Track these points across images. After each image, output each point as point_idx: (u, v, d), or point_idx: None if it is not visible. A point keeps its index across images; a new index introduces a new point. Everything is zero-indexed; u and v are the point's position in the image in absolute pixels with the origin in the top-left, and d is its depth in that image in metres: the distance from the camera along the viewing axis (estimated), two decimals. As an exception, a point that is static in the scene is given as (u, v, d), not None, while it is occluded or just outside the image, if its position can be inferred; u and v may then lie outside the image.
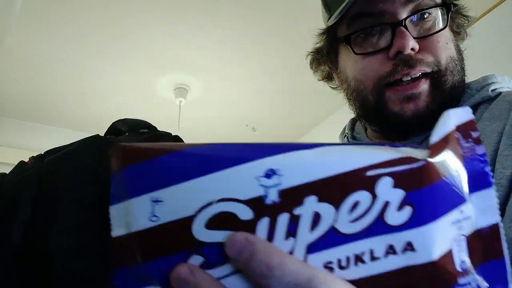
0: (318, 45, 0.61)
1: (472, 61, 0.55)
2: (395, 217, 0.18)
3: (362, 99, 0.52)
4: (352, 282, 0.18)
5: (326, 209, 0.18)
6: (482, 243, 0.19)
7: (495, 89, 0.49)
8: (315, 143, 0.19)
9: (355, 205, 0.18)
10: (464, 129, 0.20)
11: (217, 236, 0.19)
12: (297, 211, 0.18)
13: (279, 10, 2.14)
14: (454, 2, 0.53)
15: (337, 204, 0.18)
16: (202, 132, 3.34)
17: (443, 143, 0.19)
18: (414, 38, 0.47)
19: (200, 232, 0.19)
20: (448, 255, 0.19)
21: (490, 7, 1.84)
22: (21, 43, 2.27)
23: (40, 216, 0.36)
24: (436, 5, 0.48)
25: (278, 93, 2.82)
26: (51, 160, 0.41)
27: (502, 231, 0.19)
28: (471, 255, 0.19)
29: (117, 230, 0.21)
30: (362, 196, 0.18)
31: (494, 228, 0.19)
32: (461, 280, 0.19)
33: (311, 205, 0.18)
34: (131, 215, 0.20)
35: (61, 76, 2.60)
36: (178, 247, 0.19)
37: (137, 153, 0.20)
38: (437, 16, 0.49)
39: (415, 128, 0.49)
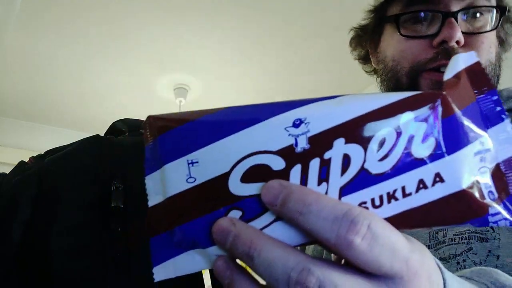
0: (364, 22, 0.60)
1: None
2: (420, 149, 0.19)
3: (396, 80, 0.52)
4: (386, 219, 0.18)
5: (355, 150, 0.19)
6: (506, 175, 0.20)
7: None
8: (336, 95, 0.20)
9: (382, 142, 0.19)
10: (472, 70, 0.21)
11: (253, 188, 0.19)
12: (327, 155, 0.19)
13: (279, 10, 2.14)
14: (509, 7, 0.52)
15: (364, 144, 0.19)
16: (202, 132, 3.35)
17: (456, 80, 0.21)
18: (463, 32, 0.47)
19: (236, 187, 0.19)
20: (476, 184, 0.19)
21: None
22: (21, 43, 2.28)
23: (40, 216, 0.36)
24: (491, 7, 0.48)
25: (278, 93, 2.83)
26: (51, 160, 0.41)
27: None
28: (496, 187, 0.20)
29: (154, 199, 0.21)
30: (387, 133, 0.19)
31: (510, 160, 0.20)
32: (492, 210, 0.19)
33: (339, 147, 0.19)
34: (168, 180, 0.20)
35: (61, 76, 2.60)
36: (216, 204, 0.20)
37: (168, 121, 0.21)
38: (488, 18, 0.49)
39: None
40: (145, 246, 0.34)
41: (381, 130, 0.19)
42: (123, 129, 0.51)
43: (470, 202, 0.19)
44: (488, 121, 0.20)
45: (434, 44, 0.48)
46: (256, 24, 2.22)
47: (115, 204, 0.37)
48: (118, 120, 0.54)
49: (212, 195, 0.20)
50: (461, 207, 0.19)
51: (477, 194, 0.19)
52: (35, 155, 0.44)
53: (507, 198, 0.20)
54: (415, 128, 0.19)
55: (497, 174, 0.20)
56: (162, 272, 0.21)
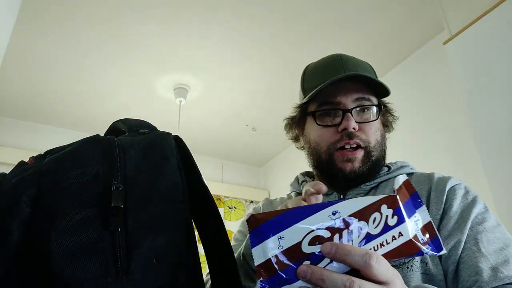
0: (292, 114, 0.87)
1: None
2: (391, 221, 0.39)
3: (318, 156, 0.77)
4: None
5: (363, 224, 0.38)
6: (427, 230, 0.41)
7: (412, 168, 0.79)
8: (349, 199, 0.40)
9: (374, 220, 0.38)
10: (406, 183, 0.44)
11: (315, 248, 0.37)
12: (350, 227, 0.38)
13: (279, 11, 2.14)
14: (386, 104, 0.82)
15: (367, 221, 0.38)
16: (202, 132, 3.35)
17: (399, 189, 0.43)
18: (356, 122, 0.73)
19: (306, 248, 0.37)
20: (416, 236, 0.40)
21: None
22: (21, 43, 2.28)
23: (40, 216, 0.36)
24: (373, 105, 0.76)
25: (278, 93, 2.83)
26: (51, 160, 0.41)
27: (433, 223, 0.42)
28: (424, 236, 0.40)
29: (259, 260, 0.37)
30: (376, 215, 0.39)
31: (429, 222, 0.42)
32: (424, 247, 0.39)
33: (355, 224, 0.38)
34: (267, 248, 0.37)
35: (61, 76, 2.60)
36: (296, 258, 0.36)
37: (262, 218, 0.38)
38: (373, 112, 0.76)
39: (351, 181, 0.74)
40: (145, 246, 0.34)
41: (373, 214, 0.39)
42: (123, 129, 0.51)
43: (415, 244, 0.39)
44: (415, 206, 0.42)
45: (339, 131, 0.73)
46: (256, 24, 2.22)
47: (115, 204, 0.37)
48: (118, 120, 0.54)
49: (293, 254, 0.36)
50: (411, 247, 0.39)
51: (417, 240, 0.39)
52: (35, 155, 0.44)
53: (429, 242, 0.40)
54: (387, 212, 0.39)
55: (423, 230, 0.41)
56: None
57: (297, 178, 0.89)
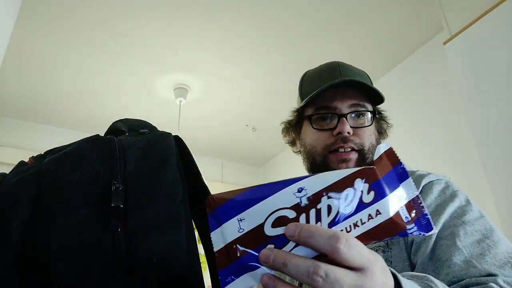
0: (290, 118, 0.88)
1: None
2: (367, 198, 0.34)
3: (313, 159, 0.79)
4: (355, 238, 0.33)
5: (333, 202, 0.33)
6: (413, 207, 0.35)
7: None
8: (318, 173, 0.35)
9: (347, 196, 0.34)
10: (388, 153, 0.37)
11: (279, 230, 0.33)
12: (318, 206, 0.33)
13: (279, 10, 2.14)
14: (381, 111, 0.84)
15: (337, 198, 0.33)
16: (202, 132, 3.35)
17: (379, 159, 0.37)
18: (351, 126, 0.75)
19: (269, 230, 0.33)
20: (398, 214, 0.35)
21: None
22: (21, 43, 2.28)
23: (40, 216, 0.36)
24: (368, 111, 0.78)
25: (278, 93, 2.83)
26: (51, 160, 0.41)
27: (421, 198, 0.36)
28: (410, 214, 0.35)
29: (218, 246, 0.33)
30: (349, 191, 0.34)
31: (416, 197, 0.36)
32: (408, 226, 0.34)
33: (324, 201, 0.33)
34: (226, 232, 0.33)
35: (61, 76, 2.60)
36: (258, 242, 0.33)
37: (222, 198, 0.34)
38: (367, 118, 0.78)
39: None
40: (145, 246, 0.34)
41: (346, 189, 0.34)
42: (123, 129, 0.51)
43: (396, 223, 0.34)
44: (400, 179, 0.36)
45: (334, 134, 0.75)
46: (256, 24, 2.22)
47: (115, 204, 0.37)
48: (118, 120, 0.54)
49: (255, 237, 0.33)
50: (392, 227, 0.34)
51: (399, 219, 0.34)
52: (35, 155, 0.44)
53: (415, 221, 0.35)
54: (363, 187, 0.34)
55: (408, 207, 0.35)
56: None
57: None
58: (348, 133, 0.74)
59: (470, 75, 1.68)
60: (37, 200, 0.37)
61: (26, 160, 0.43)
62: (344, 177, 0.34)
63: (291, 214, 0.33)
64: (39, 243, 0.35)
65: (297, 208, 0.33)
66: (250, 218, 0.33)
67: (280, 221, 0.33)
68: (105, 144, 0.43)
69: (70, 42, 2.30)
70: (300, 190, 0.33)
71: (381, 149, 0.38)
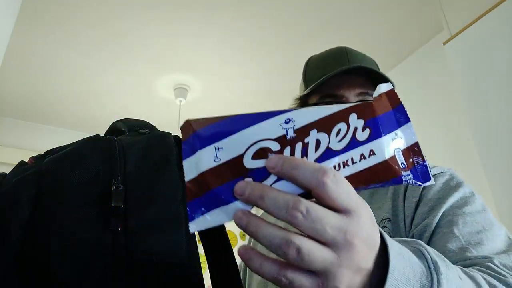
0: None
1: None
2: (361, 135, 0.31)
3: None
4: None
5: (322, 136, 0.30)
6: (411, 153, 0.32)
7: None
8: (298, 108, 0.31)
9: (339, 131, 0.30)
10: (390, 93, 0.33)
11: (260, 163, 0.29)
12: (306, 140, 0.30)
13: (279, 10, 2.14)
14: None
15: (328, 133, 0.30)
16: (202, 132, 3.35)
17: (379, 98, 0.33)
18: None
19: (249, 163, 0.29)
20: (393, 157, 0.31)
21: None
22: (21, 43, 2.28)
23: (40, 216, 0.36)
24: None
25: (278, 93, 2.83)
26: (51, 160, 0.41)
27: (420, 146, 0.33)
28: (406, 161, 0.32)
29: (190, 175, 0.29)
30: (342, 126, 0.31)
31: (415, 143, 0.33)
32: (404, 173, 0.31)
33: (313, 135, 0.30)
34: (201, 161, 0.29)
35: (61, 76, 2.60)
36: (236, 174, 0.29)
37: (200, 122, 0.30)
38: None
39: None
40: (145, 246, 0.34)
41: (338, 124, 0.30)
42: (123, 129, 0.51)
43: (391, 168, 0.31)
44: (399, 122, 0.33)
45: None
46: (256, 24, 2.22)
47: (115, 204, 0.37)
48: (118, 120, 0.54)
49: (232, 169, 0.29)
50: (386, 171, 0.31)
51: (394, 163, 0.31)
52: (35, 155, 0.44)
53: (411, 168, 0.32)
54: (357, 123, 0.31)
55: (406, 153, 0.32)
56: (195, 226, 0.29)
57: None
58: None
59: (470, 75, 1.68)
60: (37, 200, 0.37)
61: (26, 160, 0.43)
62: (337, 111, 0.31)
63: (275, 146, 0.29)
64: (39, 243, 0.35)
65: (282, 140, 0.29)
66: (229, 148, 0.29)
67: (262, 153, 0.29)
68: (105, 144, 0.43)
69: (70, 42, 2.30)
70: (287, 121, 0.30)
71: (382, 88, 0.34)
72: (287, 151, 0.29)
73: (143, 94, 2.82)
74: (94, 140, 0.44)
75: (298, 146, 0.30)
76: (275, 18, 2.19)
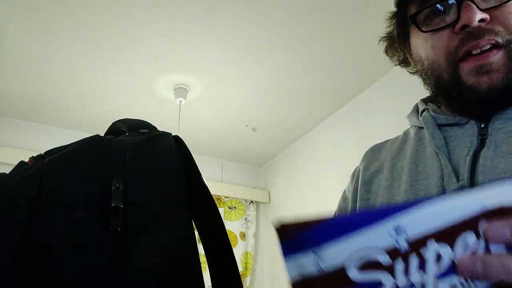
0: (388, 29, 0.61)
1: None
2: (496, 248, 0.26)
3: (437, 78, 0.52)
4: None
5: (444, 248, 0.25)
6: None
7: None
8: (411, 205, 0.26)
9: (466, 242, 0.25)
10: None
11: (368, 276, 0.25)
12: (423, 253, 0.25)
13: (279, 10, 2.14)
14: None
15: (451, 244, 0.25)
16: (202, 132, 3.35)
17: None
18: (482, 10, 0.47)
19: (354, 274, 0.25)
20: None
21: None
22: (21, 42, 2.28)
23: (40, 216, 0.36)
24: None
25: (278, 93, 2.83)
26: (52, 160, 0.41)
27: None
28: None
29: (293, 277, 0.27)
30: (469, 236, 0.25)
31: None
32: None
33: (432, 248, 0.25)
34: (302, 267, 0.26)
35: (61, 76, 2.60)
36: (341, 286, 0.26)
37: (298, 226, 0.27)
38: None
39: (493, 102, 0.47)
40: (145, 246, 0.34)
41: (464, 233, 0.25)
42: (123, 129, 0.51)
43: None
44: None
45: (457, 31, 0.48)
46: (256, 24, 2.23)
47: (115, 204, 0.37)
48: (118, 120, 0.54)
49: (336, 279, 0.26)
50: None
51: None
52: (35, 155, 0.44)
53: None
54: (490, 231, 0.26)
55: None
56: None
57: (416, 107, 0.63)
58: (482, 20, 0.46)
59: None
60: (37, 200, 0.37)
61: (26, 160, 0.43)
62: (463, 221, 0.25)
63: (384, 258, 0.25)
64: (39, 243, 0.35)
65: (392, 251, 0.25)
66: (331, 257, 0.26)
67: (370, 265, 0.25)
68: (105, 144, 0.43)
69: (70, 42, 2.30)
70: (397, 230, 0.25)
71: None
72: (398, 265, 0.25)
73: (143, 94, 2.82)
74: (94, 140, 0.44)
75: (414, 259, 0.25)
76: (275, 18, 2.19)
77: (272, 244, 3.36)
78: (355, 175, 0.65)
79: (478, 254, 0.25)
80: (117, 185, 0.38)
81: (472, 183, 0.45)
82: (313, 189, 2.93)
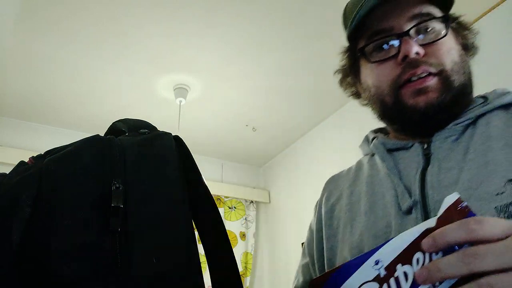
0: (342, 62, 0.69)
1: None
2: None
3: (381, 102, 0.60)
4: None
5: (407, 268, 0.35)
6: None
7: None
8: (389, 242, 0.37)
9: (418, 260, 0.34)
10: (456, 205, 0.36)
11: None
12: (395, 274, 0.35)
13: (279, 10, 2.14)
14: (454, 16, 0.63)
15: (410, 263, 0.35)
16: (202, 132, 3.35)
17: (446, 212, 0.35)
18: (419, 45, 0.56)
19: None
20: None
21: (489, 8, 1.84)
22: (21, 42, 2.28)
23: (40, 216, 0.36)
24: (436, 18, 0.57)
25: (278, 93, 2.83)
26: (52, 160, 0.41)
27: None
28: None
29: None
30: (418, 255, 0.34)
31: None
32: None
33: (400, 269, 0.35)
34: None
35: (61, 76, 2.60)
36: None
37: (323, 277, 0.39)
38: (439, 28, 0.57)
39: (431, 120, 0.55)
40: (145, 246, 0.34)
41: (415, 254, 0.35)
42: (123, 129, 0.51)
43: None
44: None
45: (399, 61, 0.56)
46: (256, 24, 2.22)
47: (115, 204, 0.37)
48: (118, 120, 0.54)
49: None
50: None
51: None
52: (35, 155, 0.44)
53: None
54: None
55: None
56: None
57: (366, 138, 0.71)
58: (417, 53, 0.55)
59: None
60: (37, 200, 0.37)
61: (26, 160, 0.43)
62: (410, 244, 0.35)
63: (374, 286, 0.35)
64: (39, 243, 0.35)
65: (378, 279, 0.36)
66: None
67: None
68: (105, 144, 0.43)
69: (70, 42, 2.30)
70: (377, 263, 0.36)
71: (449, 200, 0.36)
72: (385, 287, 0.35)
73: (143, 94, 2.82)
74: (94, 140, 0.44)
75: (392, 282, 0.35)
76: (275, 18, 2.19)
77: (272, 244, 3.36)
78: (317, 206, 0.73)
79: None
80: (117, 185, 0.38)
81: (423, 197, 0.52)
82: (313, 189, 2.93)
